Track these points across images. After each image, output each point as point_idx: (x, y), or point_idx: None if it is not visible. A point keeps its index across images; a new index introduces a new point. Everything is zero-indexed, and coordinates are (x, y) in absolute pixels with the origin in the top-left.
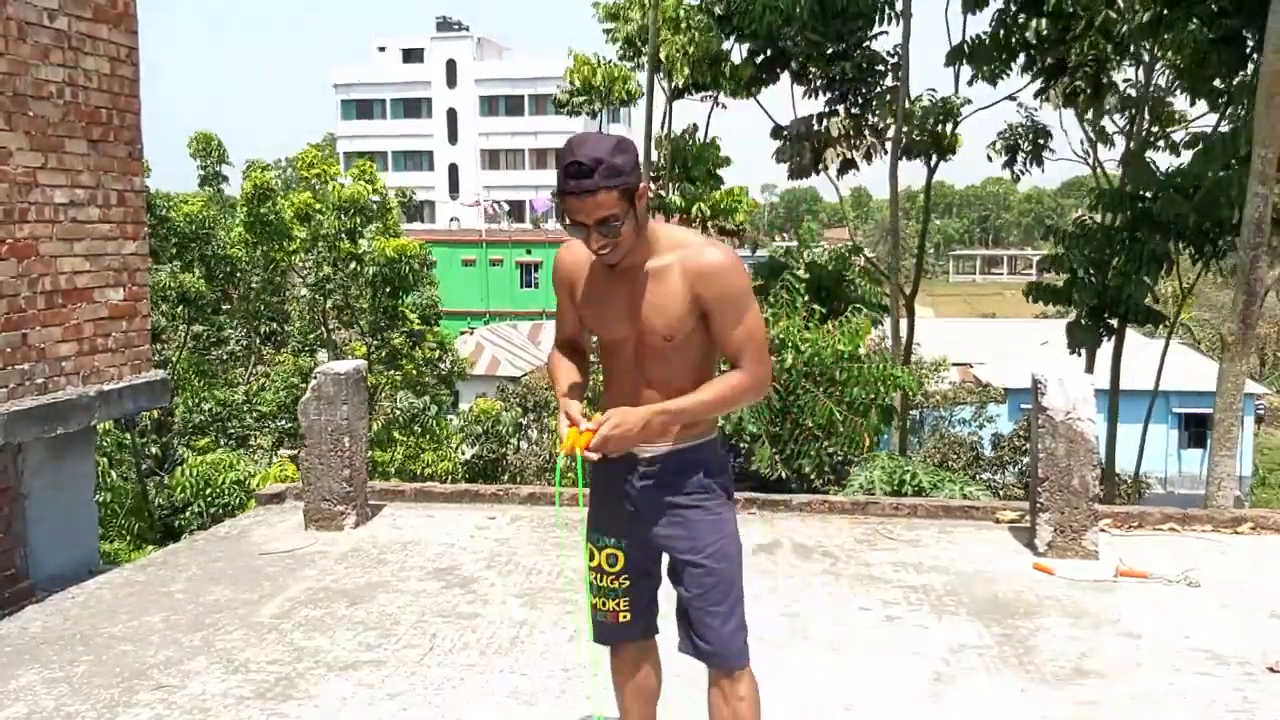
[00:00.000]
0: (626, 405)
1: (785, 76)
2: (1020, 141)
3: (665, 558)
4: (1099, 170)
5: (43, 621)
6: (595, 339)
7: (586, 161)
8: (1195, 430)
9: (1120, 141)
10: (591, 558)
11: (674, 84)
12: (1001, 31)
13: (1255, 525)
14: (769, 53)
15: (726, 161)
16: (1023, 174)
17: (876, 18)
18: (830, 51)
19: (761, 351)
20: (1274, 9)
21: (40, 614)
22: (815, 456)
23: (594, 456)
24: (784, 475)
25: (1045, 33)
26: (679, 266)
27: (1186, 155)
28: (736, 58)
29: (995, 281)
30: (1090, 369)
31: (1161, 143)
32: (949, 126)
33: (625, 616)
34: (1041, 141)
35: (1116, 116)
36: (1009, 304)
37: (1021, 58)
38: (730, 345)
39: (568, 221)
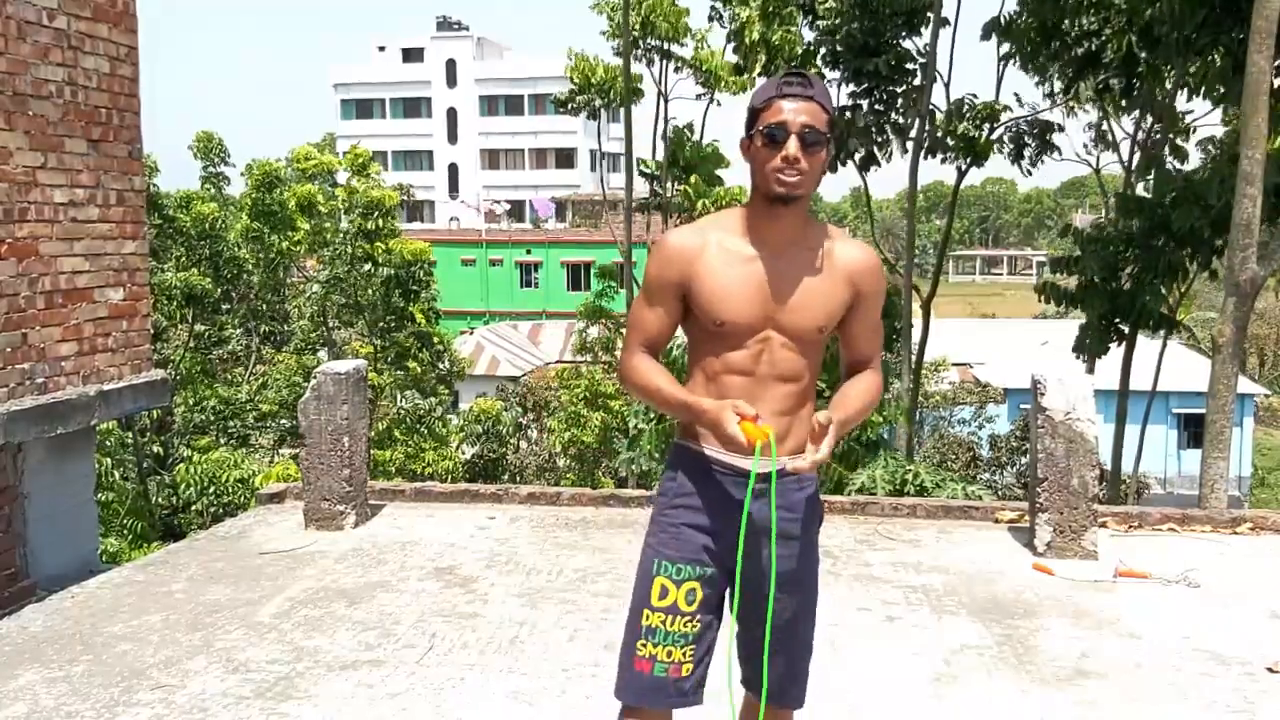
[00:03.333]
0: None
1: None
2: (1025, 137)
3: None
4: (1101, 173)
5: (43, 621)
6: (683, 333)
7: (809, 76)
8: (1195, 430)
9: (1127, 145)
10: (663, 595)
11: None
12: (1041, 10)
13: (1255, 525)
14: (829, 47)
15: (726, 163)
16: (1031, 170)
17: (922, 22)
18: (862, 46)
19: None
20: (1257, 9)
21: (40, 613)
22: None
23: (804, 465)
24: None
25: (1086, 20)
26: (835, 255)
27: (1195, 159)
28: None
29: (995, 282)
30: (1091, 370)
31: (1173, 147)
32: (985, 130)
33: (688, 669)
34: (1048, 137)
35: (1125, 118)
36: (1009, 304)
37: (1055, 45)
38: (868, 347)
39: (761, 130)
